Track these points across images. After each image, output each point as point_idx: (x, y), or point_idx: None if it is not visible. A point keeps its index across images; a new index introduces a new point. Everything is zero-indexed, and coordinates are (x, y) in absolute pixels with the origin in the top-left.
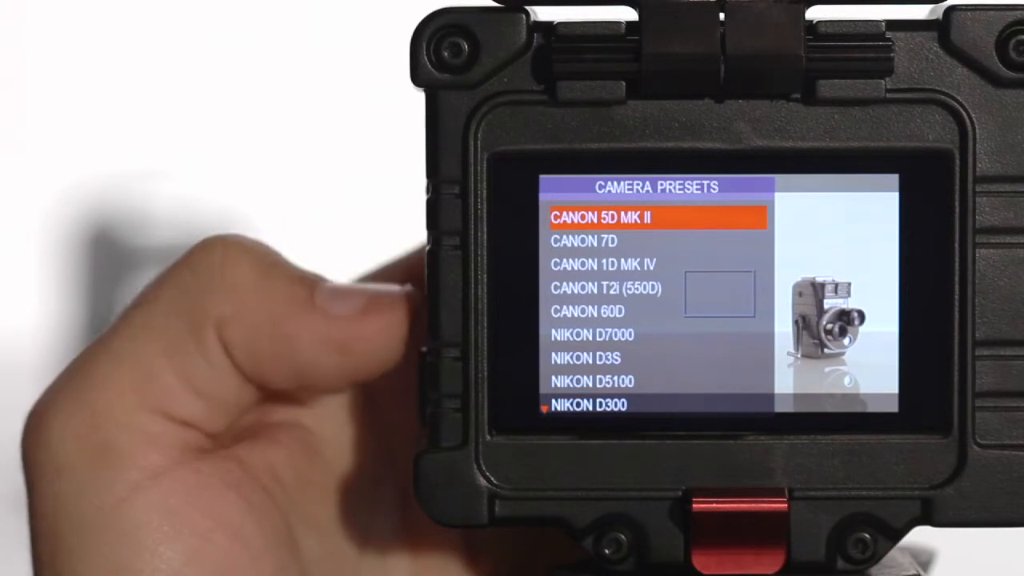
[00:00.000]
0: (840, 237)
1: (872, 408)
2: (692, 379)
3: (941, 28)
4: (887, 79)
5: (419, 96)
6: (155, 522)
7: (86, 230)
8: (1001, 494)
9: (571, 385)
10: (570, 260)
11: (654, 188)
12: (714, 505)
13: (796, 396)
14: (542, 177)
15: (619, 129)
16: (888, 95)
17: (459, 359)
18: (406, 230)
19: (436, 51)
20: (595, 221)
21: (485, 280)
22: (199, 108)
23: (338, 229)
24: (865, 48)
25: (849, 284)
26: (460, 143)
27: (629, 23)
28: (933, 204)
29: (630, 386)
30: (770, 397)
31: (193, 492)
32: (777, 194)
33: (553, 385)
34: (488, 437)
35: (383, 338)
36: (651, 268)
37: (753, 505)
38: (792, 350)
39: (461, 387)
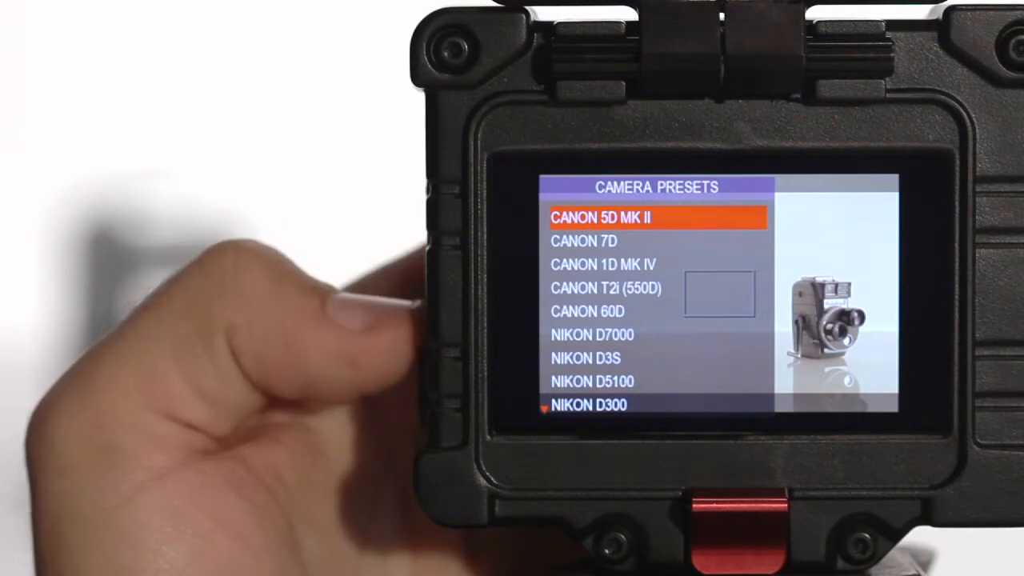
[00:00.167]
0: (840, 237)
1: (872, 408)
2: (692, 379)
3: (941, 28)
4: (887, 79)
5: (419, 96)
6: (158, 522)
7: (86, 230)
8: (1001, 494)
9: (571, 385)
10: (570, 260)
11: (654, 188)
12: (714, 505)
13: (796, 396)
14: (542, 177)
15: (619, 129)
16: (888, 95)
17: (459, 359)
18: (406, 230)
19: (436, 51)
20: (595, 221)
21: (485, 280)
22: (199, 108)
23: (338, 229)
24: (865, 48)
25: (849, 284)
26: (460, 143)
27: (629, 23)
28: (933, 204)
29: (630, 386)
30: (770, 397)
31: (196, 493)
32: (777, 194)
33: (553, 385)
34: (488, 437)
35: (391, 353)
36: (651, 268)
37: (753, 505)
38: (792, 350)
39: (461, 387)
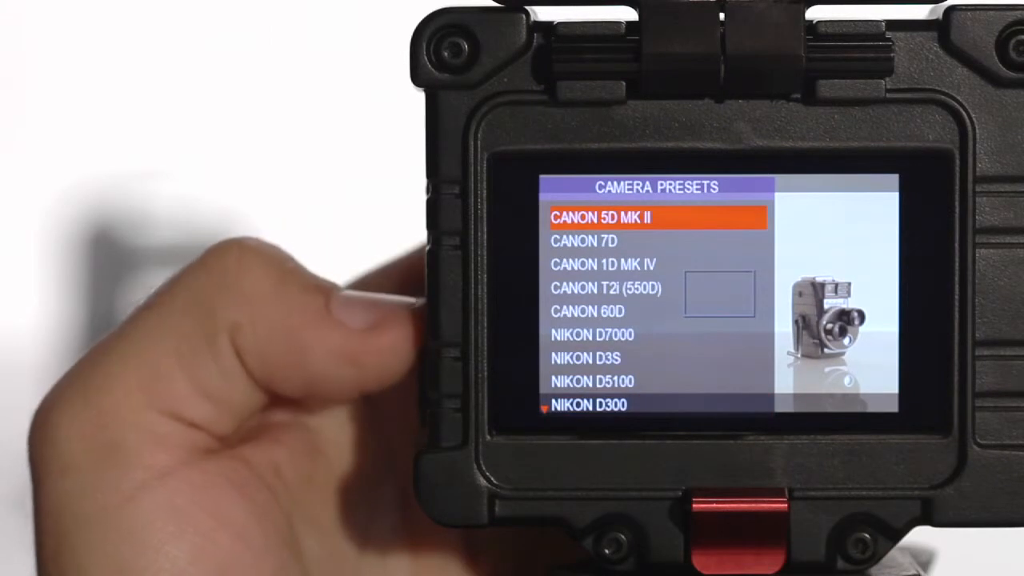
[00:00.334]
0: (840, 237)
1: (872, 408)
2: (692, 379)
3: (941, 28)
4: (887, 79)
5: (419, 96)
6: (160, 521)
7: (86, 230)
8: (1001, 494)
9: (571, 385)
10: (570, 260)
11: (654, 188)
12: (714, 505)
13: (796, 396)
14: (542, 177)
15: (619, 129)
16: (888, 95)
17: (459, 359)
18: (406, 230)
19: (436, 51)
20: (595, 221)
21: (485, 280)
22: (199, 108)
23: (338, 229)
24: (865, 48)
25: (849, 284)
26: (460, 143)
27: (629, 23)
28: (933, 204)
29: (630, 386)
30: (770, 397)
31: (198, 492)
32: (777, 194)
33: (553, 385)
34: (488, 437)
35: (394, 352)
36: (651, 268)
37: (753, 505)
38: (792, 350)
39: (461, 387)
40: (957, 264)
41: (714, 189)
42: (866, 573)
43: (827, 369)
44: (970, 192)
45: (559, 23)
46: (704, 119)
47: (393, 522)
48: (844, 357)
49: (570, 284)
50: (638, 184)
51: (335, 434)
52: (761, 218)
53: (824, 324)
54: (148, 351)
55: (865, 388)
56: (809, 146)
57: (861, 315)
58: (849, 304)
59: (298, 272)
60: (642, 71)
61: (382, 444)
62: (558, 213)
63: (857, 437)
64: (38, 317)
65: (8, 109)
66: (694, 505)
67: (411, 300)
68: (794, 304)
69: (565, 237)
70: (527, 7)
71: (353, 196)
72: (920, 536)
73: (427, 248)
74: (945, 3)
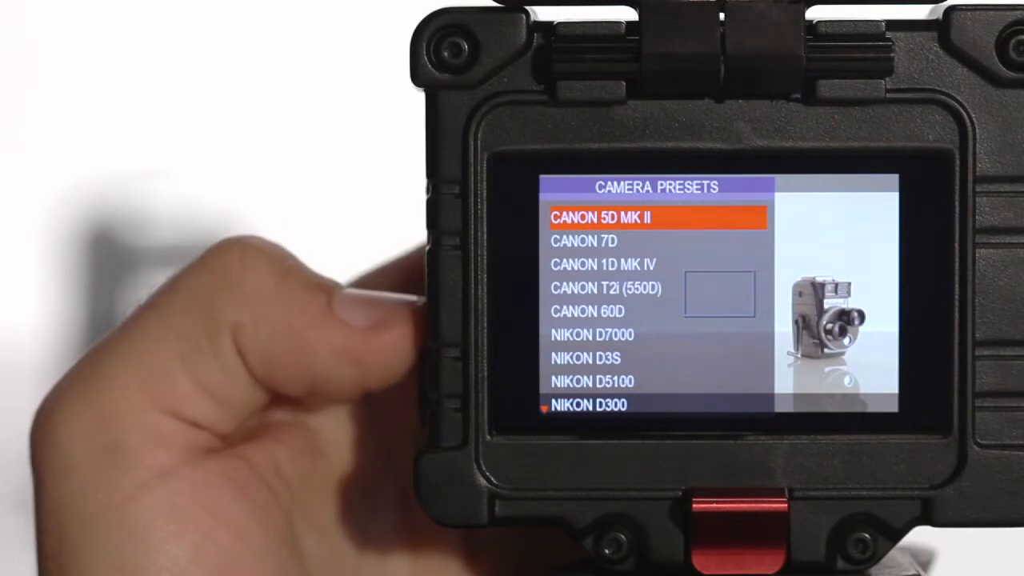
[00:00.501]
0: (840, 237)
1: (872, 408)
2: (692, 379)
3: (941, 28)
4: (887, 79)
5: (419, 96)
6: (161, 520)
7: (86, 230)
8: (1001, 494)
9: (571, 385)
10: (570, 260)
11: (654, 188)
12: (714, 505)
13: (796, 396)
14: (542, 177)
15: (619, 129)
16: (888, 95)
17: (459, 359)
18: (406, 230)
19: (436, 51)
20: (595, 221)
21: (485, 280)
22: (199, 108)
23: (338, 229)
24: (865, 48)
25: (849, 284)
26: (460, 143)
27: (629, 23)
28: (933, 204)
29: (630, 386)
30: (770, 397)
31: (199, 491)
32: (777, 194)
33: (553, 385)
34: (488, 437)
35: (396, 351)
36: (651, 268)
37: (753, 505)
38: (792, 350)
39: (461, 387)
40: (957, 264)
41: (714, 189)
42: (866, 573)
43: (827, 369)
44: (970, 192)
45: (559, 23)
46: (704, 119)
47: (393, 522)
48: (844, 357)
49: (570, 284)
50: (638, 184)
51: (335, 434)
52: (761, 218)
53: (824, 324)
54: (149, 350)
55: (865, 388)
56: (809, 146)
57: (861, 315)
58: (849, 304)
59: (300, 270)
60: (642, 71)
61: (382, 444)
62: (558, 213)
63: (857, 437)
64: (38, 317)
65: (8, 109)
66: (694, 505)
67: (413, 298)
68: (794, 304)
69: (565, 237)
70: (527, 7)
71: (353, 196)
72: (920, 536)
73: (427, 248)
74: (945, 3)
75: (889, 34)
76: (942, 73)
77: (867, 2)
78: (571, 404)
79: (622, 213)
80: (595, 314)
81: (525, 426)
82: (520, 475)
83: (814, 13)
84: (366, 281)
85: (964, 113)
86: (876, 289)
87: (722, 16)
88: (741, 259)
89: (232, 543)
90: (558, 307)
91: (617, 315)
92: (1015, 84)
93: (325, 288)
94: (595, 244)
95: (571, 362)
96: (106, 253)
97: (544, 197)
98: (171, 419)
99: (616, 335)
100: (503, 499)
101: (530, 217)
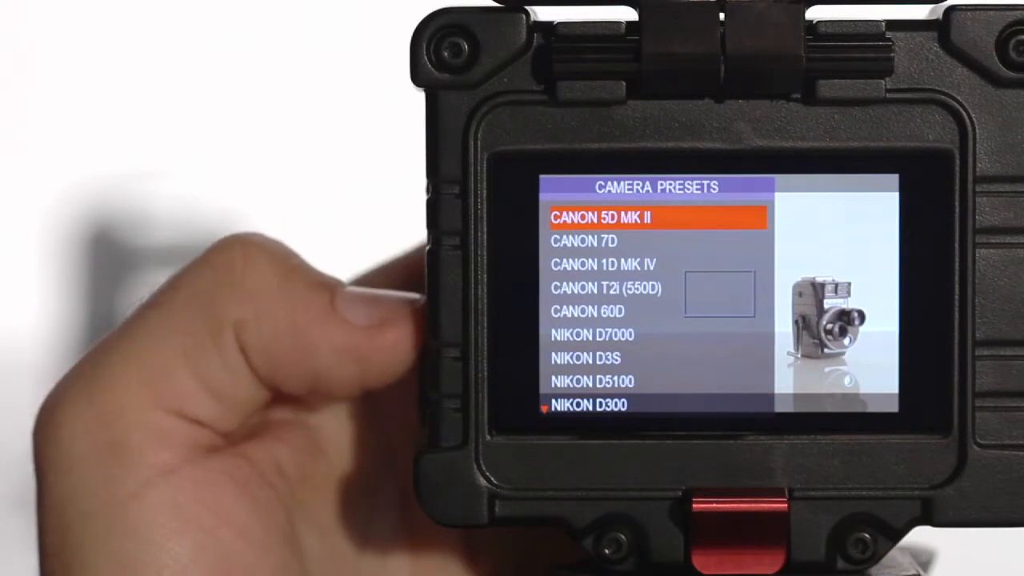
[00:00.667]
0: (840, 237)
1: (872, 408)
2: (692, 379)
3: (941, 28)
4: (887, 79)
5: (419, 96)
6: (163, 518)
7: (86, 230)
8: (1001, 494)
9: (571, 385)
10: (570, 260)
11: (654, 188)
12: (714, 505)
13: (796, 396)
14: (542, 177)
15: (619, 129)
16: (888, 95)
17: (459, 359)
18: (406, 230)
19: (436, 51)
20: (595, 221)
21: (485, 280)
22: (199, 108)
23: (338, 229)
24: (865, 48)
25: (849, 284)
26: (460, 143)
27: (629, 23)
28: (933, 204)
29: (630, 386)
30: (770, 397)
31: (201, 489)
32: (777, 194)
33: (553, 385)
34: (488, 437)
35: (398, 350)
36: (651, 268)
37: (753, 505)
38: (792, 350)
39: (461, 387)
40: (957, 264)
41: (714, 189)
42: (866, 573)
43: (827, 369)
44: (970, 192)
45: (559, 23)
46: (704, 119)
47: (393, 522)
48: (844, 357)
49: (570, 284)
50: (638, 184)
51: (336, 432)
52: (761, 218)
53: (824, 324)
54: (152, 349)
55: (865, 388)
56: (809, 146)
57: (861, 315)
58: (849, 304)
59: (303, 268)
60: (642, 71)
61: (383, 443)
62: (558, 213)
63: (857, 437)
64: (38, 317)
65: (8, 109)
66: (694, 505)
67: (415, 296)
68: (794, 304)
69: (565, 237)
70: (527, 7)
71: (353, 196)
72: (920, 536)
73: (427, 248)
74: (945, 3)
75: (889, 34)
76: (942, 73)
77: (867, 2)
78: (571, 404)
79: (622, 213)
80: (595, 314)
81: (525, 426)
82: (520, 475)
83: (814, 13)
84: (366, 280)
85: (964, 113)
86: (876, 289)
87: (722, 16)
88: (741, 259)
89: (233, 541)
90: (558, 307)
91: (617, 315)
92: (1015, 84)
93: (328, 286)
94: (595, 244)
95: (571, 362)
96: (106, 253)
97: (544, 197)
98: (173, 417)
99: (616, 335)
100: (503, 499)
101: (530, 217)
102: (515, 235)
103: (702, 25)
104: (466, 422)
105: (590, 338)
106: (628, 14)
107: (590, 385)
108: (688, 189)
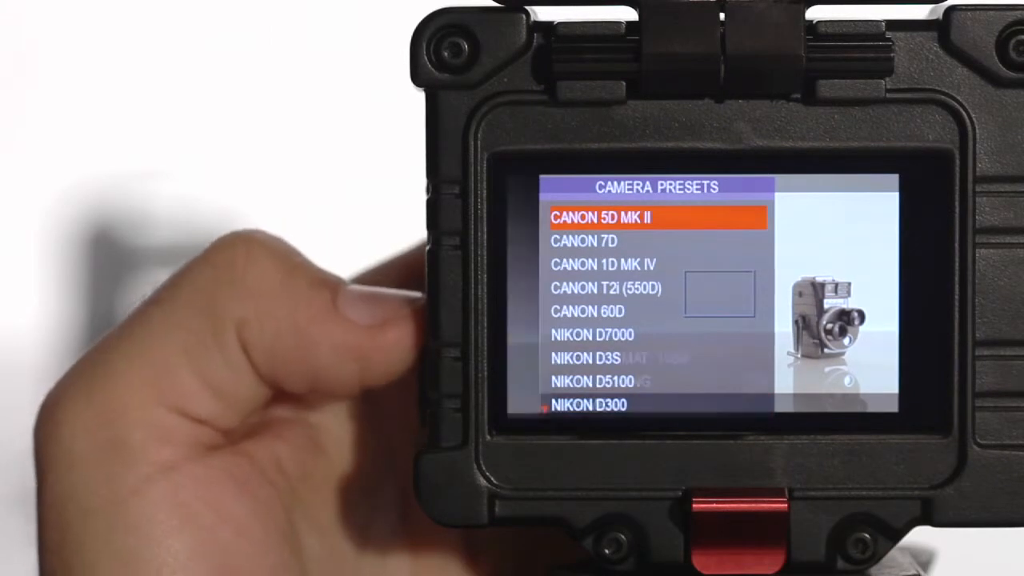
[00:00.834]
0: (840, 237)
1: (872, 408)
2: (692, 379)
3: (941, 28)
4: (887, 79)
5: (419, 96)
6: (163, 515)
7: (86, 230)
8: (1001, 494)
9: (571, 385)
10: (570, 260)
11: (654, 188)
12: (714, 505)
13: (796, 396)
14: (542, 177)
15: (619, 129)
16: (888, 95)
17: (459, 359)
18: (406, 230)
19: (436, 51)
20: (595, 221)
21: (485, 280)
22: (199, 108)
23: (338, 229)
24: (865, 48)
25: (849, 284)
26: (460, 143)
27: (629, 23)
28: (933, 204)
29: (630, 386)
30: (770, 397)
31: (202, 487)
32: (777, 194)
33: (553, 385)
34: (488, 437)
35: (399, 348)
36: (651, 268)
37: (753, 505)
38: (792, 350)
39: (461, 387)
40: (957, 264)
41: (714, 189)
42: (866, 573)
43: (827, 369)
44: (970, 192)
45: (559, 23)
46: (704, 119)
47: (393, 521)
48: (844, 357)
49: (570, 284)
50: (638, 184)
51: (336, 431)
52: (761, 218)
53: (824, 324)
54: (154, 346)
55: (865, 388)
56: (809, 146)
57: (861, 315)
58: (849, 304)
59: (305, 266)
60: (642, 71)
61: (383, 442)
62: (558, 213)
63: (857, 437)
64: (38, 317)
65: (8, 109)
66: (694, 505)
67: (416, 295)
68: (794, 304)
69: (565, 237)
70: (527, 7)
71: (353, 196)
72: (920, 536)
73: (427, 248)
74: (945, 3)
75: (889, 34)
76: (942, 73)
77: (867, 2)
78: (571, 404)
79: (622, 213)
80: (595, 314)
81: (525, 426)
82: (520, 475)
83: (814, 13)
84: (367, 278)
85: (964, 113)
86: (876, 289)
87: (722, 16)
88: (741, 259)
89: (233, 539)
90: (558, 307)
91: (617, 315)
92: (1015, 84)
93: (329, 284)
94: (595, 244)
95: (571, 362)
96: (106, 253)
97: (544, 197)
98: (175, 415)
99: (616, 335)
100: (503, 499)
101: (530, 217)
102: (515, 235)
103: (702, 25)
104: (466, 422)
105: (590, 338)
106: (628, 14)
107: (590, 385)
108: (688, 189)
